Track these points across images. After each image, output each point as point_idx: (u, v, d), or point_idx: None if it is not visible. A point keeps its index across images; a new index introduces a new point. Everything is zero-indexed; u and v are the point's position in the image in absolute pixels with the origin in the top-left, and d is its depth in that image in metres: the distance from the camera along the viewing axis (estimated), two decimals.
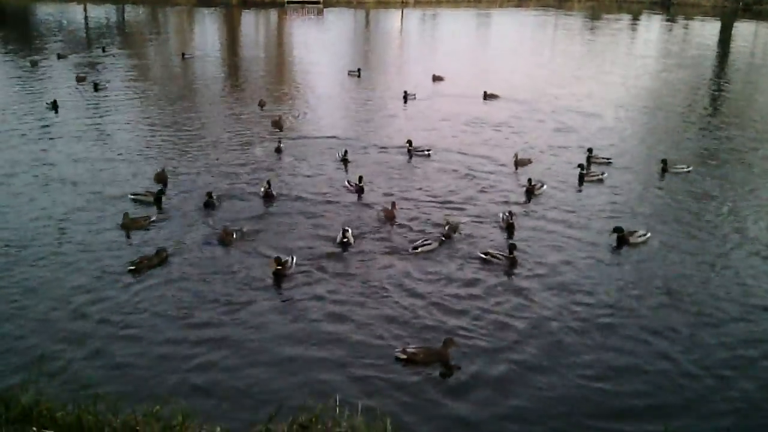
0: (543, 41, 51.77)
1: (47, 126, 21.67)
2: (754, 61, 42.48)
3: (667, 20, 66.72)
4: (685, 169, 18.15)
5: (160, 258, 12.16)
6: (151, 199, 14.95)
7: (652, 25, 63.50)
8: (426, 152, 19.18)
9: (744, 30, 58.72)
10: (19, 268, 11.87)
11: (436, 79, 31.22)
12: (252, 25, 58.26)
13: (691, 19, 67.01)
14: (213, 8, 65.77)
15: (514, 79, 32.59)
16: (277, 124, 21.63)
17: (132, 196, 15.23)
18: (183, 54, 36.50)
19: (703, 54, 43.90)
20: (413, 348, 9.51)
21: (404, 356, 9.40)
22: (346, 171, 17.81)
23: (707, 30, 58.92)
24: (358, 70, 32.31)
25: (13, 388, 5.98)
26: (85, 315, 10.42)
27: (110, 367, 9.16)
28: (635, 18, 68.31)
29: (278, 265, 11.72)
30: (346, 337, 10.06)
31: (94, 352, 9.49)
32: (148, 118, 23.37)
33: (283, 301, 11.13)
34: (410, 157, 19.12)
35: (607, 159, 18.86)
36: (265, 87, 29.54)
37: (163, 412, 6.09)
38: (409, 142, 19.42)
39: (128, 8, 64.77)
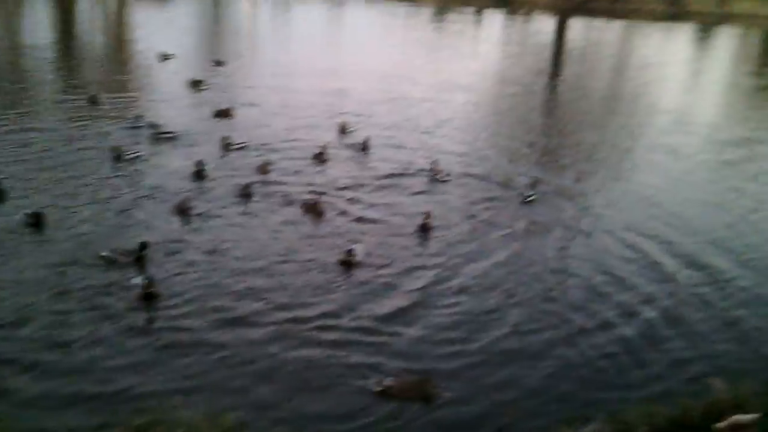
0: (369, 33, 53.20)
1: None
2: (586, 53, 46.52)
3: (508, 15, 70.79)
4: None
5: None
6: None
7: (494, 21, 67.02)
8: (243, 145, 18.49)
9: (577, 25, 63.97)
10: None
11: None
12: (86, 10, 53.84)
13: (530, 14, 71.62)
14: None
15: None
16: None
17: None
18: None
19: (538, 48, 47.11)
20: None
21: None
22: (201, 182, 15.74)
23: (544, 26, 63.33)
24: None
25: None
26: None
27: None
28: (478, 13, 71.65)
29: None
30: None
31: None
32: None
33: None
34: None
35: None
36: (99, 79, 26.81)
37: None
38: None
39: None
